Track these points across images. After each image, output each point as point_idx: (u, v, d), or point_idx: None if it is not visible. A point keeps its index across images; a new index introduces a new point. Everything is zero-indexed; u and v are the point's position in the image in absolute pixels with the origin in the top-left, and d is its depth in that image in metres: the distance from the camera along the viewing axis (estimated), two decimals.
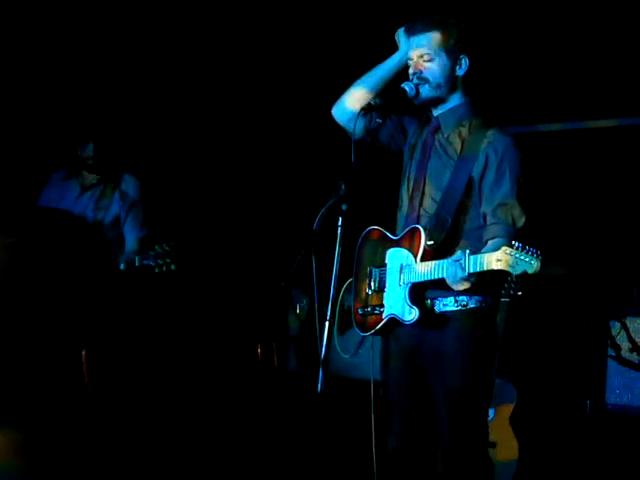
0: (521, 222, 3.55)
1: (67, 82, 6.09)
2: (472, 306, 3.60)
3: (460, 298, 3.59)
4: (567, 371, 5.82)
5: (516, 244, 3.22)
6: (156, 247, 5.00)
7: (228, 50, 6.23)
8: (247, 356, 6.08)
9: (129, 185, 5.39)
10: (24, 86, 6.04)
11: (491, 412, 5.15)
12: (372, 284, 3.75)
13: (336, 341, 3.86)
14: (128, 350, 5.28)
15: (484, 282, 3.49)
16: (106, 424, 5.03)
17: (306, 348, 5.89)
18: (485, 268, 3.31)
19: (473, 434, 3.65)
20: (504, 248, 3.24)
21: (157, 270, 4.99)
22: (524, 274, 3.23)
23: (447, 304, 3.61)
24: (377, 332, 3.74)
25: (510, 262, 3.23)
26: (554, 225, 5.83)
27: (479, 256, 3.34)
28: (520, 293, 5.25)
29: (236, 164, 6.50)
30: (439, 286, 3.53)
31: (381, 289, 3.72)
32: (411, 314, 3.56)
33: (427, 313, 3.59)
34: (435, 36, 3.66)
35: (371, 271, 3.77)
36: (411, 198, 3.75)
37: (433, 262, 3.52)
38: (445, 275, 3.45)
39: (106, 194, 5.36)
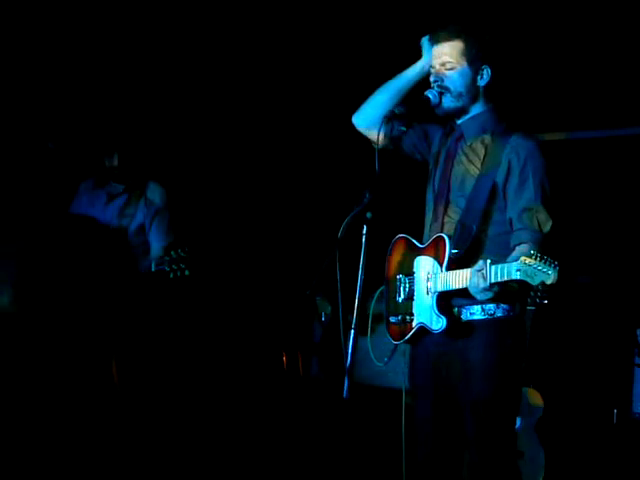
0: (547, 227, 3.54)
1: (91, 92, 6.13)
2: (499, 315, 3.59)
3: (487, 307, 3.58)
4: (594, 380, 5.80)
5: (535, 254, 3.21)
6: (172, 252, 5.03)
7: (253, 63, 6.25)
8: (272, 364, 6.08)
9: (154, 193, 5.41)
10: (49, 95, 6.09)
11: (517, 421, 5.13)
12: (402, 292, 3.75)
13: (370, 349, 3.87)
14: (155, 356, 5.31)
15: (507, 291, 3.48)
16: (131, 428, 5.06)
17: (329, 355, 5.89)
18: (506, 278, 3.31)
19: (500, 443, 3.64)
20: (523, 258, 3.23)
21: (172, 275, 5.01)
22: (542, 284, 3.22)
23: (474, 312, 3.60)
24: (408, 341, 3.74)
25: (528, 272, 3.22)
26: (580, 232, 5.81)
27: (499, 266, 3.33)
28: (546, 302, 5.24)
29: (263, 173, 6.52)
30: (466, 295, 3.52)
31: (410, 297, 3.72)
32: (439, 323, 3.56)
33: (454, 321, 3.58)
34: (458, 45, 3.66)
35: (400, 279, 3.77)
36: (436, 205, 3.76)
37: (457, 271, 3.51)
38: (468, 285, 3.45)
39: (132, 202, 5.39)
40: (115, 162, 5.39)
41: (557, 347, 5.81)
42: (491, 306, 3.58)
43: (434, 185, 3.82)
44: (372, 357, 3.87)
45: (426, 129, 3.91)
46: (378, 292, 3.92)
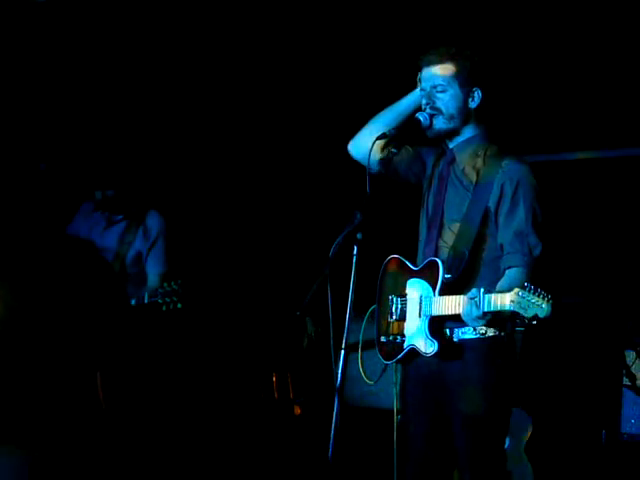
0: (537, 250, 3.56)
1: (87, 118, 6.15)
2: (490, 334, 3.60)
3: (479, 327, 3.59)
4: (582, 400, 5.80)
5: (528, 286, 3.22)
6: (165, 285, 5.04)
7: (250, 83, 6.26)
8: (262, 385, 6.07)
9: (153, 221, 5.41)
10: (43, 116, 6.10)
11: (506, 441, 5.13)
12: (393, 313, 3.76)
13: (360, 368, 3.87)
14: (144, 377, 5.29)
15: (500, 318, 3.49)
16: (118, 451, 5.04)
17: (323, 378, 5.88)
18: (499, 308, 3.32)
19: (491, 461, 3.65)
20: (516, 290, 3.24)
21: (164, 308, 5.02)
22: (535, 317, 3.24)
23: (466, 332, 3.61)
24: (398, 361, 3.75)
25: (522, 304, 3.23)
26: (570, 254, 5.83)
27: (493, 295, 3.34)
28: (535, 322, 5.24)
29: (251, 194, 6.52)
30: (458, 318, 3.54)
31: (402, 318, 3.73)
32: (431, 347, 3.57)
33: (446, 345, 3.59)
34: (449, 67, 3.68)
35: (392, 300, 3.77)
36: (429, 229, 3.77)
37: (450, 297, 3.53)
38: (461, 312, 3.46)
39: (130, 229, 5.39)
40: (100, 196, 5.39)
41: (546, 368, 5.82)
42: (483, 326, 3.59)
43: (427, 208, 3.82)
44: (363, 376, 3.87)
45: (419, 151, 3.92)
46: (370, 311, 3.93)
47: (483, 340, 3.60)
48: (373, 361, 3.85)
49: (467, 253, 3.60)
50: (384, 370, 3.84)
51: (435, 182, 3.82)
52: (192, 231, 6.32)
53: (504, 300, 3.30)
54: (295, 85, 6.19)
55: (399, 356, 3.71)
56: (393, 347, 3.74)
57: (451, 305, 3.52)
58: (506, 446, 5.00)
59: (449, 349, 3.60)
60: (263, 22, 5.88)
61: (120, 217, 5.41)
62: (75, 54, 5.97)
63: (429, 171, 3.88)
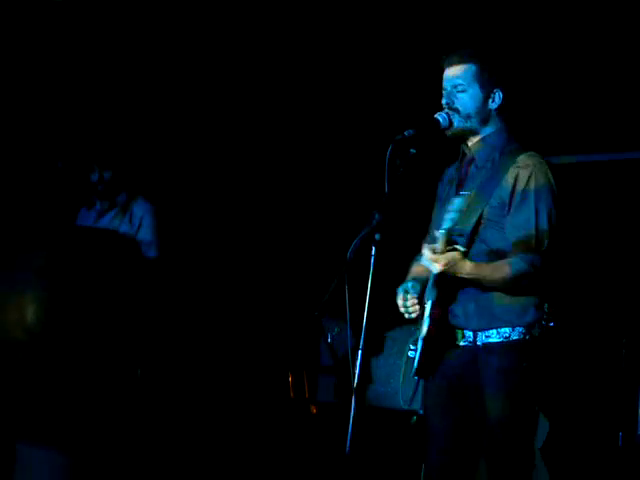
0: (544, 245, 3.55)
1: (79, 103, 6.18)
2: (515, 338, 3.59)
3: (502, 330, 3.59)
4: (599, 403, 5.78)
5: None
6: None
7: (253, 76, 6.27)
8: (278, 385, 6.08)
9: (139, 207, 5.44)
10: (57, 114, 6.13)
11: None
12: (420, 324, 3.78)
13: (400, 391, 3.89)
14: (160, 373, 5.33)
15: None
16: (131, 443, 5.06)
17: (341, 378, 5.88)
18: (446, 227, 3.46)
19: (517, 465, 3.63)
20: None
21: None
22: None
23: (490, 336, 3.60)
24: (418, 368, 3.71)
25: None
26: (587, 254, 5.82)
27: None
28: (552, 324, 5.23)
29: (271, 193, 6.53)
30: (482, 317, 3.56)
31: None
32: (424, 328, 3.58)
33: (437, 328, 3.59)
34: (470, 68, 3.69)
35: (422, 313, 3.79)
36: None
37: None
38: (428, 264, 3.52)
39: (117, 217, 5.44)
40: (97, 178, 5.43)
41: (562, 370, 5.80)
42: (506, 329, 3.59)
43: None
44: (400, 401, 3.90)
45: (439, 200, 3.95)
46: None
47: (506, 344, 3.59)
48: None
49: (469, 232, 3.59)
50: (416, 387, 3.82)
51: (453, 186, 3.82)
52: (212, 231, 6.33)
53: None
54: (318, 80, 6.19)
55: (415, 361, 3.69)
56: (413, 356, 3.75)
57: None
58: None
59: (442, 335, 3.60)
60: (275, 17, 5.89)
61: (107, 206, 5.45)
62: (79, 50, 6.01)
63: (446, 189, 3.89)
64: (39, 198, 5.89)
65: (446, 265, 3.49)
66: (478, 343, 3.61)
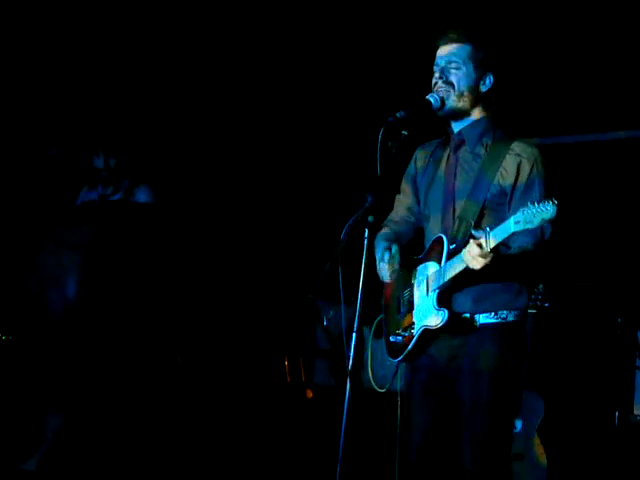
0: (548, 232, 3.56)
1: (83, 92, 6.18)
2: (511, 319, 3.61)
3: (500, 312, 3.60)
4: (595, 383, 5.80)
5: (530, 205, 3.21)
6: None
7: (250, 66, 6.28)
8: (274, 369, 6.09)
9: (142, 194, 5.46)
10: (49, 101, 6.12)
11: (518, 424, 5.13)
12: (401, 308, 3.76)
13: (370, 376, 3.88)
14: (155, 360, 5.35)
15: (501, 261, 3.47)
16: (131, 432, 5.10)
17: (336, 360, 5.90)
18: (506, 235, 3.29)
19: (498, 446, 3.64)
20: (521, 210, 3.23)
21: None
22: (542, 222, 3.22)
23: (488, 316, 3.61)
24: (410, 351, 3.70)
25: (527, 219, 3.21)
26: (581, 235, 5.82)
27: (498, 227, 3.31)
28: (547, 304, 5.24)
29: (264, 175, 6.53)
30: (480, 302, 3.57)
31: (410, 309, 3.72)
32: (439, 318, 3.55)
33: (455, 316, 3.57)
34: (466, 48, 3.69)
35: (400, 296, 3.78)
36: (443, 220, 3.75)
37: (455, 258, 3.52)
38: (463, 255, 3.43)
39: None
40: (102, 162, 5.44)
41: (558, 350, 5.82)
42: (504, 311, 3.60)
43: (433, 200, 3.81)
44: (373, 385, 3.88)
45: (411, 178, 3.93)
46: (375, 323, 3.92)
47: (504, 324, 3.60)
48: (389, 367, 3.84)
49: (472, 222, 3.59)
50: (395, 373, 3.82)
51: (441, 172, 3.80)
52: (204, 216, 6.34)
53: (509, 224, 3.26)
54: (310, 64, 6.19)
55: (411, 344, 3.68)
56: (404, 340, 3.72)
57: (455, 265, 3.50)
58: (518, 429, 5.03)
59: (459, 324, 3.59)
60: (277, 15, 5.90)
61: (110, 192, 5.47)
62: (89, 42, 6.01)
63: (425, 165, 3.87)
64: (39, 180, 5.92)
65: (490, 264, 3.46)
66: (475, 324, 3.61)
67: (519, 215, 3.23)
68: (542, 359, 5.43)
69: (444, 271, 3.57)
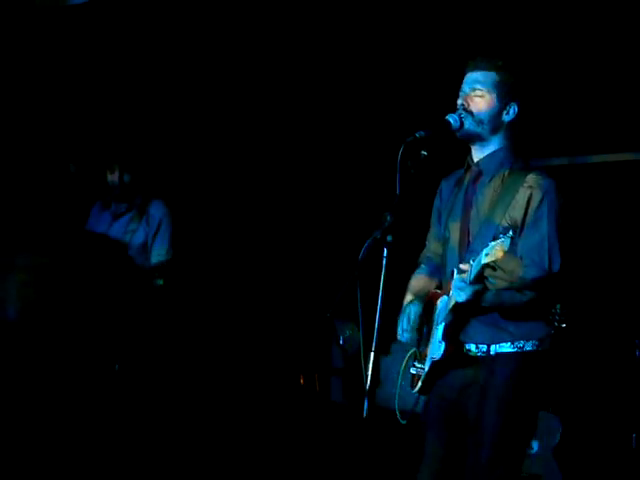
0: (556, 265, 3.54)
1: (97, 106, 6.22)
2: (528, 349, 3.59)
3: (516, 342, 3.59)
4: (612, 404, 5.77)
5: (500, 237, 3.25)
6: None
7: (266, 77, 6.29)
8: (290, 386, 6.09)
9: (156, 209, 5.50)
10: (67, 117, 6.16)
11: (535, 445, 5.12)
12: (422, 341, 3.78)
13: (396, 407, 3.90)
14: (170, 374, 5.36)
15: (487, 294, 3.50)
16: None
17: (352, 379, 5.89)
18: (480, 266, 3.34)
19: (509, 467, 3.62)
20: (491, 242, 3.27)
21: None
22: (560, 308, 3.25)
23: (503, 346, 3.60)
24: (424, 383, 3.73)
25: (488, 251, 3.26)
26: (600, 255, 5.81)
27: (476, 260, 3.36)
28: (564, 325, 5.23)
29: (283, 195, 6.55)
30: (496, 333, 3.57)
31: (428, 341, 3.75)
32: (439, 350, 3.59)
33: (455, 350, 3.59)
34: (492, 76, 3.69)
35: (424, 330, 3.79)
36: (459, 253, 3.74)
37: None
38: (454, 292, 3.47)
39: (134, 219, 5.48)
40: (116, 178, 5.47)
41: (576, 371, 5.79)
42: (521, 341, 3.59)
43: (452, 232, 3.81)
44: (398, 415, 3.91)
45: (437, 212, 3.95)
46: (407, 356, 3.93)
47: (520, 353, 3.59)
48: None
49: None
50: (416, 403, 3.83)
51: (460, 204, 3.80)
52: (224, 232, 6.36)
53: (480, 257, 3.31)
54: (332, 83, 6.21)
55: (422, 378, 3.71)
56: (418, 373, 3.76)
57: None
58: (535, 450, 5.01)
59: (459, 358, 3.61)
60: (293, 22, 5.92)
61: (123, 209, 5.49)
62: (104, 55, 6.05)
63: (446, 201, 3.89)
64: (48, 199, 5.94)
65: (472, 297, 3.48)
66: (491, 353, 3.60)
67: (489, 247, 3.25)
68: (559, 380, 5.41)
69: (448, 304, 3.61)
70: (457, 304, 3.54)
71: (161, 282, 5.31)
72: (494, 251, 3.25)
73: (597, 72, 5.74)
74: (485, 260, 3.28)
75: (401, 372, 3.91)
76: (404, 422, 3.89)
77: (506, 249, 3.24)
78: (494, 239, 3.31)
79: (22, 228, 5.41)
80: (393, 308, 3.89)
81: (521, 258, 3.56)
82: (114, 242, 5.36)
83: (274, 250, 6.48)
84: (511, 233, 3.26)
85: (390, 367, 4.17)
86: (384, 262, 3.46)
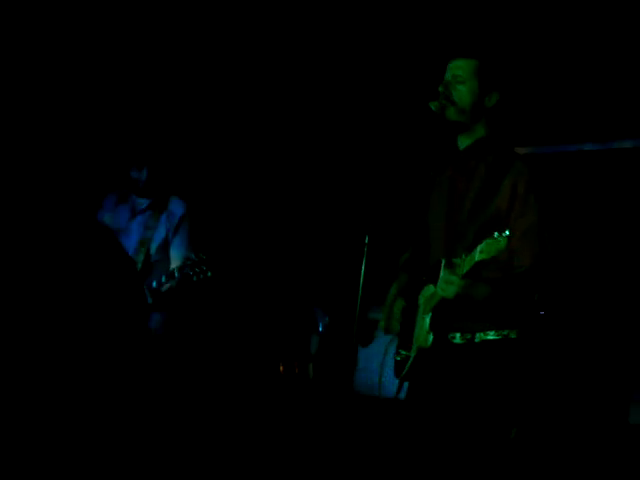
0: (544, 253, 3.57)
1: (122, 107, 6.20)
2: (513, 337, 3.62)
3: (501, 330, 3.61)
4: (594, 389, 5.80)
5: (494, 235, 3.25)
6: (192, 255, 5.14)
7: (282, 79, 6.35)
8: (269, 374, 6.10)
9: (176, 206, 5.48)
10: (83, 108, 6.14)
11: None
12: (408, 328, 3.78)
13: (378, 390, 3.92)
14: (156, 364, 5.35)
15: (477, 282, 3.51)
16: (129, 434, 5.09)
17: (325, 365, 5.91)
18: (473, 262, 3.34)
19: (489, 452, 3.64)
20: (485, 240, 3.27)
21: (195, 278, 5.10)
22: (498, 252, 3.25)
23: (488, 333, 3.62)
24: (408, 370, 3.74)
25: (484, 248, 3.27)
26: (583, 241, 5.84)
27: (469, 255, 3.37)
28: (542, 312, 5.25)
29: (267, 185, 6.57)
30: (481, 321, 3.58)
31: (413, 328, 3.75)
32: (428, 339, 3.60)
33: (442, 340, 3.61)
34: (474, 64, 3.72)
35: (407, 317, 3.81)
36: (445, 241, 3.76)
37: None
38: (441, 285, 3.49)
39: (154, 216, 5.45)
40: (144, 176, 5.44)
41: (558, 361, 5.81)
42: (505, 330, 3.61)
43: (436, 219, 3.84)
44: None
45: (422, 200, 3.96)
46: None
47: (505, 341, 3.61)
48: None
49: (471, 240, 3.60)
50: (400, 387, 3.85)
51: (445, 191, 3.83)
52: (210, 224, 6.37)
53: (474, 254, 3.32)
54: (339, 87, 6.27)
55: (407, 365, 3.73)
56: (403, 360, 3.77)
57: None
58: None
59: (461, 346, 3.62)
60: (302, 24, 5.95)
61: (144, 206, 5.47)
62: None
63: (429, 184, 3.93)
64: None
65: (461, 291, 3.49)
66: (476, 341, 3.62)
67: (483, 244, 3.27)
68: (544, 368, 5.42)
69: (435, 295, 3.61)
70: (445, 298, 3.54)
71: (210, 274, 5.27)
72: (488, 248, 3.26)
73: (587, 60, 5.75)
74: (479, 257, 3.30)
75: (382, 359, 3.93)
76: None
77: (502, 249, 3.25)
78: (487, 234, 3.33)
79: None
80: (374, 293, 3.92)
81: (511, 248, 3.58)
82: (125, 256, 5.33)
83: (253, 241, 6.50)
84: (508, 232, 3.26)
85: (371, 356, 4.19)
86: (365, 249, 3.48)
